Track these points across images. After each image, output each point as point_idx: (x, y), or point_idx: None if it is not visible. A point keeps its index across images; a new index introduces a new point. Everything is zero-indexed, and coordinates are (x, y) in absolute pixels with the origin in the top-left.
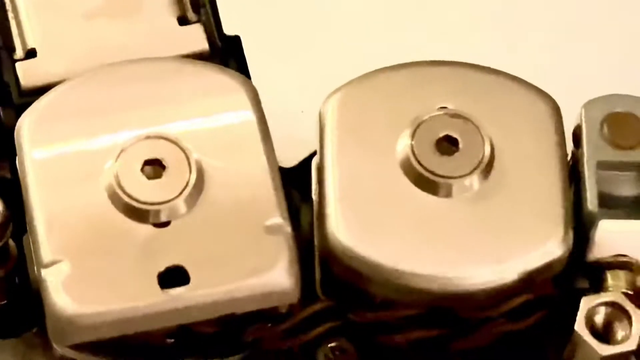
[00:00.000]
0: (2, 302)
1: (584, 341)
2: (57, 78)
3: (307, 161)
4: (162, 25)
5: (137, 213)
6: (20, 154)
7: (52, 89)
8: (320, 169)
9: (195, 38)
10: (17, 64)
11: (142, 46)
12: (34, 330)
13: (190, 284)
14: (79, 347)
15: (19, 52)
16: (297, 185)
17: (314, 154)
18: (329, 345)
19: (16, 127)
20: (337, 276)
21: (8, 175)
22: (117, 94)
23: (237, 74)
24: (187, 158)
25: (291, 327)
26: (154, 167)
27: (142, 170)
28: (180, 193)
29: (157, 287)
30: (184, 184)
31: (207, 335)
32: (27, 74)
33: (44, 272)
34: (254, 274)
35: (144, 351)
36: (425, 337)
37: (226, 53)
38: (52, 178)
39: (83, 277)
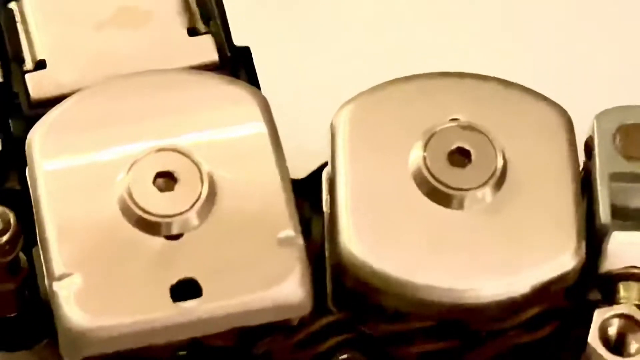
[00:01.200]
0: (13, 314)
1: (598, 354)
2: (67, 89)
3: (317, 173)
4: (171, 36)
5: (148, 225)
6: (31, 167)
7: (63, 101)
8: (332, 181)
9: (205, 49)
10: (27, 76)
11: (151, 57)
12: (45, 342)
13: (202, 296)
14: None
15: (29, 64)
16: (308, 196)
17: (325, 165)
18: (341, 358)
19: (27, 140)
20: (349, 288)
21: (17, 187)
22: (128, 106)
23: (248, 85)
24: (199, 170)
25: (303, 340)
26: (166, 180)
27: (154, 182)
28: (193, 205)
29: (169, 300)
30: (196, 196)
31: (218, 349)
32: (37, 85)
33: (56, 286)
34: (266, 287)
35: None
36: (437, 349)
37: (236, 64)
38: (63, 190)
39: (95, 290)
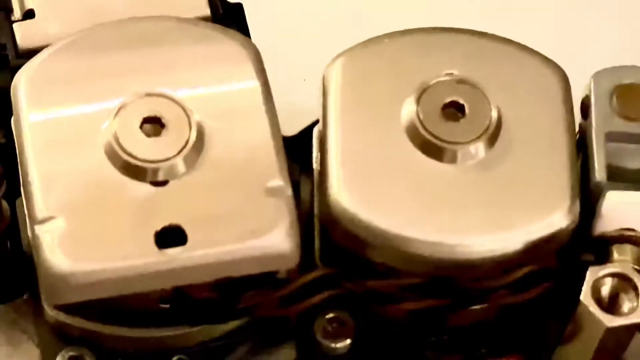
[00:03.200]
0: None
1: (590, 312)
2: (55, 40)
3: (308, 130)
4: None
5: (134, 171)
6: (16, 112)
7: (49, 47)
8: (323, 135)
9: (197, 3)
10: (15, 25)
11: (142, 10)
12: (25, 296)
13: (187, 244)
14: (71, 310)
15: (17, 13)
16: (297, 155)
17: (315, 123)
18: (327, 317)
19: (12, 85)
20: (338, 244)
21: (2, 140)
22: (116, 53)
23: (240, 35)
24: (188, 117)
25: (288, 294)
26: (154, 125)
27: (141, 127)
28: (180, 152)
29: (154, 246)
30: (184, 142)
31: (202, 301)
32: (25, 35)
33: (38, 229)
34: (253, 236)
35: (138, 317)
36: (426, 307)
37: (228, 20)
38: (48, 135)
39: (78, 235)
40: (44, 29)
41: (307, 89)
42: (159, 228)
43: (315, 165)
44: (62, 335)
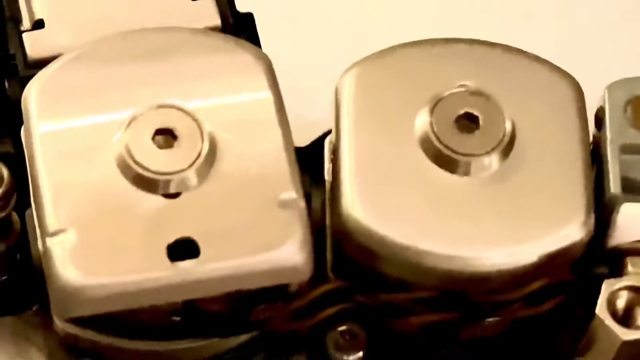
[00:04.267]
0: (2, 278)
1: (605, 326)
2: (65, 50)
3: (319, 141)
4: None
5: (146, 183)
6: (27, 122)
7: (61, 57)
8: (336, 146)
9: (207, 13)
10: (24, 35)
11: (152, 20)
12: (34, 308)
13: (200, 257)
14: (81, 323)
15: (26, 23)
16: (309, 167)
17: (327, 133)
18: (339, 329)
19: (23, 95)
20: (350, 257)
21: (11, 151)
22: (128, 64)
23: (253, 46)
24: (200, 128)
25: (300, 308)
26: (166, 137)
27: (153, 139)
28: (192, 164)
29: (166, 259)
30: (196, 154)
31: (214, 314)
32: (34, 45)
33: (49, 242)
34: (265, 249)
35: (149, 330)
36: (438, 320)
37: (238, 30)
38: (59, 146)
39: (90, 247)
40: (54, 39)
41: (319, 100)
42: (171, 241)
43: (327, 176)
44: (72, 348)
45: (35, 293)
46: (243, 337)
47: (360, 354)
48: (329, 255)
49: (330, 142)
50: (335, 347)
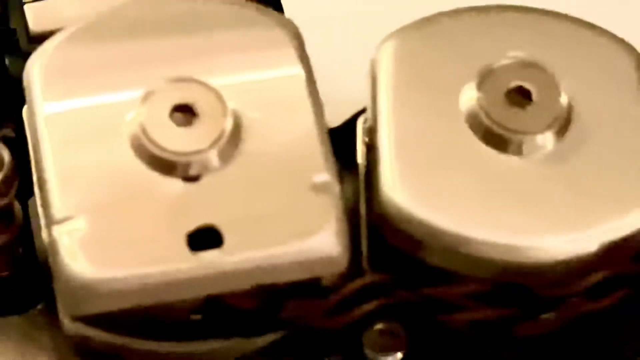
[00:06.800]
0: (5, 274)
1: None
2: (71, 22)
3: (352, 121)
4: None
5: (164, 165)
6: (30, 102)
7: (65, 29)
8: (372, 126)
9: None
10: (26, 7)
11: None
12: (40, 306)
13: (223, 247)
14: (92, 321)
15: None
16: (340, 149)
17: (360, 112)
18: (377, 328)
19: (24, 72)
20: (390, 246)
21: (12, 135)
22: (141, 37)
23: (280, 15)
24: (222, 104)
25: (336, 304)
26: (185, 114)
27: (170, 116)
28: (214, 143)
29: (187, 249)
30: (218, 133)
31: (239, 311)
32: (37, 17)
33: (56, 230)
34: (297, 238)
35: (166, 329)
36: (491, 318)
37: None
38: (67, 127)
39: (101, 237)
40: (59, 11)
41: (351, 75)
42: (191, 229)
43: (361, 159)
44: (82, 350)
45: (41, 290)
46: (271, 337)
47: (400, 354)
48: (364, 246)
49: (365, 121)
50: (373, 348)
